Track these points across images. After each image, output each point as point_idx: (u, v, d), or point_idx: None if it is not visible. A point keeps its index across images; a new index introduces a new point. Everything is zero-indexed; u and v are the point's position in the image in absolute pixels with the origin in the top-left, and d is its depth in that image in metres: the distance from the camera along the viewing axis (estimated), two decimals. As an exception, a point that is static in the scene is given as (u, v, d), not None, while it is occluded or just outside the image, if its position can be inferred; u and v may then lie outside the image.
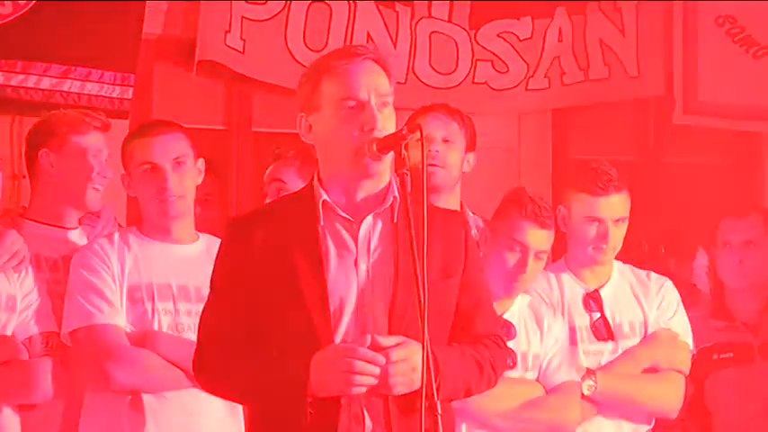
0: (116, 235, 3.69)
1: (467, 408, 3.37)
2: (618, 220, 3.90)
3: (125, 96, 5.38)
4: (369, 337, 2.63)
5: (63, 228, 3.83)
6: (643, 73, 6.25)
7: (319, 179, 2.82)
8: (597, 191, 3.87)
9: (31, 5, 5.18)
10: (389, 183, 2.80)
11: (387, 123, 2.73)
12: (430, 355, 2.52)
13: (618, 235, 3.91)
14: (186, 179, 3.64)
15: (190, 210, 3.70)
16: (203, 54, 5.54)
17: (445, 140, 3.97)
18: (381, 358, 2.60)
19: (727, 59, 6.33)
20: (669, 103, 6.29)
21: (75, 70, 5.28)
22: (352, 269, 2.74)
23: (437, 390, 2.59)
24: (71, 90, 5.24)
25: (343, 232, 2.77)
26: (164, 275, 3.58)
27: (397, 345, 2.62)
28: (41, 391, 3.50)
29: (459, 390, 2.76)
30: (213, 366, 2.81)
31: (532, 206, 3.69)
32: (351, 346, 2.63)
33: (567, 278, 3.96)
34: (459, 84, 6.00)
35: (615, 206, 3.90)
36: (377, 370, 2.60)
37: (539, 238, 3.69)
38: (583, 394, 3.75)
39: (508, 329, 3.66)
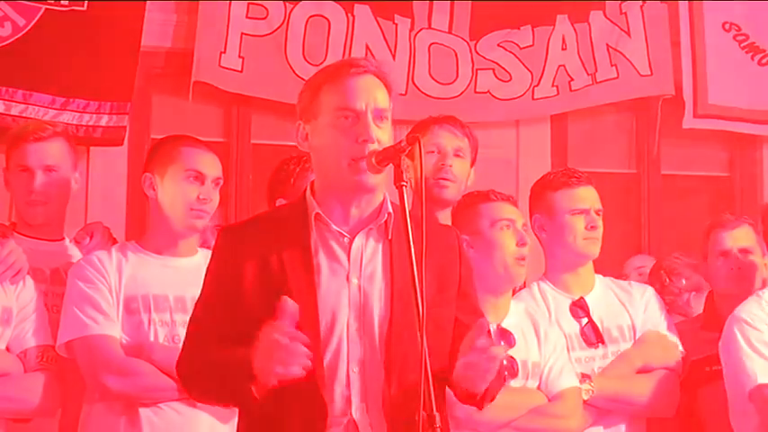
0: (114, 248, 3.69)
1: (470, 418, 3.37)
2: (598, 211, 3.96)
3: (120, 124, 5.42)
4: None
5: (44, 240, 3.82)
6: (655, 71, 6.27)
7: (312, 191, 2.82)
8: (573, 183, 3.95)
9: (30, 27, 5.23)
10: (384, 199, 2.80)
11: (383, 137, 2.73)
12: (428, 366, 2.51)
13: (600, 227, 3.96)
14: (216, 200, 3.68)
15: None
16: (199, 75, 5.58)
17: (457, 155, 3.98)
18: (303, 338, 2.54)
19: (735, 64, 6.35)
20: (670, 113, 6.30)
21: (73, 102, 5.33)
22: (344, 284, 2.74)
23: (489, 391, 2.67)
24: (69, 122, 5.30)
25: (336, 247, 2.77)
26: (161, 287, 3.58)
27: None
28: (34, 405, 3.49)
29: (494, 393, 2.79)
30: (192, 370, 2.80)
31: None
32: (278, 325, 2.57)
33: (550, 291, 3.98)
34: (461, 94, 6.01)
35: (593, 195, 3.97)
36: (302, 351, 2.54)
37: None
38: (582, 399, 3.77)
39: (507, 338, 3.66)
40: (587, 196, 3.95)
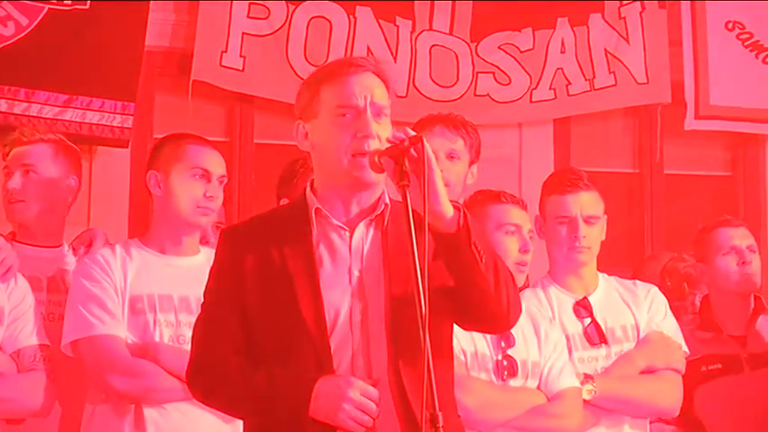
0: (118, 246, 3.69)
1: (469, 419, 3.37)
2: (589, 218, 3.90)
3: (125, 125, 5.42)
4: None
5: (41, 246, 3.83)
6: (652, 79, 6.26)
7: (313, 188, 2.84)
8: (565, 189, 3.91)
9: (32, 27, 5.24)
10: (383, 192, 2.82)
11: (382, 132, 2.75)
12: (431, 363, 2.50)
13: (591, 234, 3.90)
14: (221, 197, 3.70)
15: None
16: (198, 75, 5.58)
17: (450, 157, 3.91)
18: (375, 393, 2.64)
19: (738, 63, 6.34)
20: (672, 114, 6.30)
21: (76, 99, 5.35)
22: (345, 276, 2.76)
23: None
24: (72, 119, 5.29)
25: (337, 240, 2.78)
26: (165, 287, 3.59)
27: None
28: (27, 405, 3.50)
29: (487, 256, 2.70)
30: (208, 379, 2.81)
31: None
32: (352, 379, 2.65)
33: (553, 290, 3.96)
34: (461, 96, 6.01)
35: (584, 203, 3.90)
36: (372, 406, 2.63)
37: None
38: (585, 400, 3.76)
39: (507, 337, 3.66)
40: (575, 203, 3.89)
